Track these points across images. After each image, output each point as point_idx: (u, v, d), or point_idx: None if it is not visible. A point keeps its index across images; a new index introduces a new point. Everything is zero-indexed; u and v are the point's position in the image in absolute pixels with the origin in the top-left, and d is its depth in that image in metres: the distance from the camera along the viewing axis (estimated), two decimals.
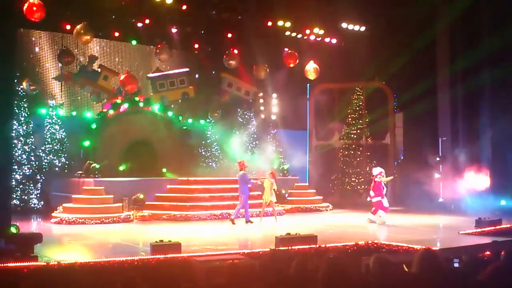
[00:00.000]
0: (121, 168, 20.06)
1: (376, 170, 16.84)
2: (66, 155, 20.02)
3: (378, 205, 16.43)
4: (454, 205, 20.89)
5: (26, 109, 19.24)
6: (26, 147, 19.03)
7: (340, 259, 5.17)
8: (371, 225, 16.17)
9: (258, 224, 16.26)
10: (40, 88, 20.03)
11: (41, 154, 19.46)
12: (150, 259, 9.43)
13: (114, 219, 16.25)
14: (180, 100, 22.84)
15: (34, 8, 15.50)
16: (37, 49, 20.94)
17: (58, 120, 20.07)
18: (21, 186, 18.69)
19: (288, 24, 22.06)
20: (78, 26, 18.34)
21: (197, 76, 23.79)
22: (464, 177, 21.46)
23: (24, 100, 19.20)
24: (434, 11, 22.54)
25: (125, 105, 20.99)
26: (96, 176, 18.00)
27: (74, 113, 21.44)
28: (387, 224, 16.14)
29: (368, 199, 17.07)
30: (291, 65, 21.94)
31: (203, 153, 23.06)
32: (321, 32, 23.22)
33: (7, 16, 11.23)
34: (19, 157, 18.74)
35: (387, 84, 24.67)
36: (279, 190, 20.94)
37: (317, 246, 10.77)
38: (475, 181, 21.26)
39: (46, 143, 19.72)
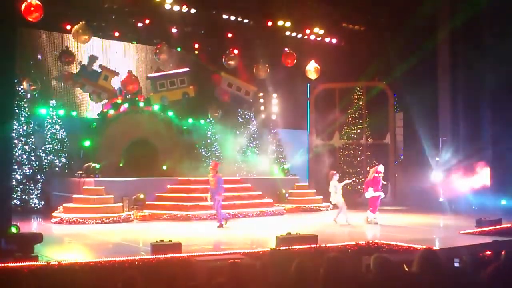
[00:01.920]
0: (120, 164, 20.10)
1: (381, 168, 16.66)
2: (66, 155, 20.03)
3: (372, 202, 16.25)
4: (454, 205, 20.88)
5: (27, 109, 19.23)
6: (26, 147, 19.01)
7: (341, 258, 5.17)
8: (372, 225, 16.08)
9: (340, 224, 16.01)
10: (41, 88, 20.01)
11: (41, 154, 19.45)
12: (150, 259, 9.42)
13: (115, 219, 16.26)
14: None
15: (32, 9, 15.38)
16: (37, 49, 20.90)
17: (59, 120, 20.07)
18: (21, 186, 18.68)
19: (288, 24, 22.02)
20: (76, 26, 18.30)
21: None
22: (465, 176, 21.44)
23: (25, 100, 19.20)
24: (437, 11, 22.48)
25: (125, 105, 21.01)
26: (97, 176, 18.00)
27: (74, 113, 21.42)
28: (381, 224, 15.99)
29: (367, 195, 16.54)
30: (289, 65, 21.93)
31: (204, 153, 23.04)
32: (321, 32, 23.19)
33: (7, 16, 11.22)
34: (20, 157, 18.73)
35: (388, 83, 24.64)
36: (279, 190, 20.99)
37: (318, 245, 10.76)
38: (476, 180, 21.24)
39: (46, 143, 19.72)
